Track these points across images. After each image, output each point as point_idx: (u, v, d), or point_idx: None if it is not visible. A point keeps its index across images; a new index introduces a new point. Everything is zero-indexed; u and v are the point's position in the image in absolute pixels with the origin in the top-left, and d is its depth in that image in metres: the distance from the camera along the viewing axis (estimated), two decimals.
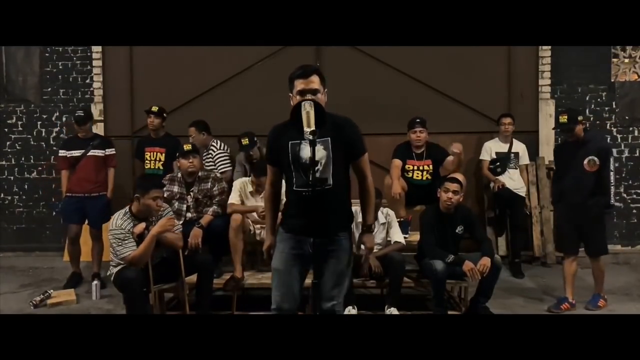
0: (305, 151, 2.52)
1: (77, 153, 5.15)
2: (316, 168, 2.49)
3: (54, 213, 6.43)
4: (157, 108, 5.35)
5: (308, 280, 2.75)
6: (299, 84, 2.58)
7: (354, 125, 2.68)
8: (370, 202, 2.75)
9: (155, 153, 5.33)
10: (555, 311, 4.30)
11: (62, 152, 5.28)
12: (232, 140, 5.38)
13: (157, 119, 5.33)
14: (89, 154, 5.14)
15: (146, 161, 5.37)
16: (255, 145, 5.03)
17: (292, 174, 2.63)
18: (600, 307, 4.34)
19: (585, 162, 4.20)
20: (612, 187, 4.28)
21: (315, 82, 2.58)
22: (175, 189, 4.55)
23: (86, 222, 5.20)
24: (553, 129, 5.24)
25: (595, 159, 4.19)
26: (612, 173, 4.27)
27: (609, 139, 6.15)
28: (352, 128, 2.66)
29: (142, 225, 3.73)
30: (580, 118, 4.31)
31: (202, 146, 5.23)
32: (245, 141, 4.96)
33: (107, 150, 5.25)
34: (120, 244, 3.65)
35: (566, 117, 4.26)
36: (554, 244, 5.86)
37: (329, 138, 2.57)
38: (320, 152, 2.54)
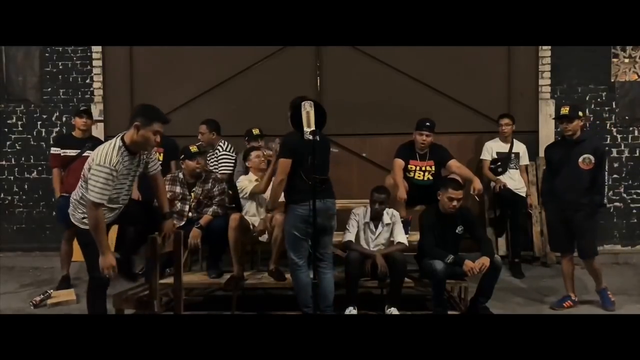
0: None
1: (72, 152, 5.07)
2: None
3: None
4: None
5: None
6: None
7: None
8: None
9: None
10: (558, 309, 4.31)
11: (55, 150, 5.17)
12: (232, 140, 5.38)
13: None
14: (85, 154, 5.02)
15: None
16: (263, 138, 5.14)
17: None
18: (613, 303, 4.30)
19: (581, 159, 4.22)
20: (606, 187, 4.28)
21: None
22: (178, 189, 4.54)
23: None
24: (553, 118, 5.07)
25: (591, 157, 4.21)
26: (606, 173, 4.26)
27: (608, 139, 6.14)
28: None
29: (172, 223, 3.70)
30: (581, 114, 4.32)
31: (209, 145, 5.24)
32: (256, 131, 5.10)
33: None
34: (104, 186, 3.14)
35: (568, 108, 4.29)
36: None
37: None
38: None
